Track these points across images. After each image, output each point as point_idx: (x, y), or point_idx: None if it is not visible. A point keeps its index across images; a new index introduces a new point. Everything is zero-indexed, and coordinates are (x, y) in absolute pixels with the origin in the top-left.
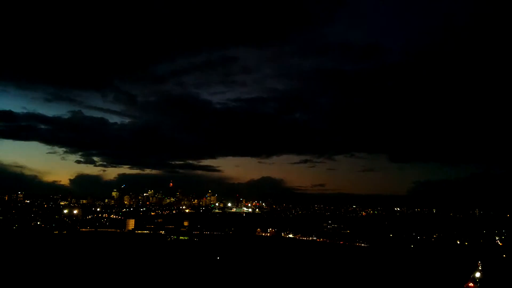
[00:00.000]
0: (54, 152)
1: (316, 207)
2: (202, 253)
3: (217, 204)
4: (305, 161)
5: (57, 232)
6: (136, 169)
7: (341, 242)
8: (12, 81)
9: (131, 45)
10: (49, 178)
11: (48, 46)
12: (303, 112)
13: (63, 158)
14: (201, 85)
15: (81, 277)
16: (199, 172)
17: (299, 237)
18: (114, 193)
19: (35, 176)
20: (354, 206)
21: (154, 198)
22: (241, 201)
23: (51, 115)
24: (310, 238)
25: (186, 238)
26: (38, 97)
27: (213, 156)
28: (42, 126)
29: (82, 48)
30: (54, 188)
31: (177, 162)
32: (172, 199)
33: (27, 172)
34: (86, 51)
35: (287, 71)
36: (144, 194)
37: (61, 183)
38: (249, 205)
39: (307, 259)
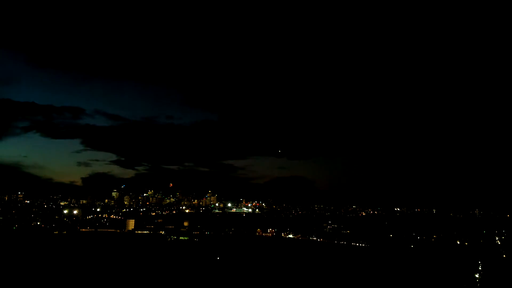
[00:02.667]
0: (78, 152)
1: (316, 207)
2: (202, 253)
3: (217, 204)
4: None
5: (57, 232)
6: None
7: (341, 242)
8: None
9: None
10: (65, 179)
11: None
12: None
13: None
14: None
15: (81, 277)
16: (237, 173)
17: (299, 237)
18: (114, 193)
19: (51, 179)
20: (354, 206)
21: (154, 198)
22: (241, 201)
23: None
24: (310, 238)
25: (186, 238)
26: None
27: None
28: (105, 125)
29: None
30: (69, 189)
31: (224, 162)
32: (172, 199)
33: (45, 173)
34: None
35: None
36: (144, 195)
37: (78, 183)
38: (249, 205)
39: (307, 260)
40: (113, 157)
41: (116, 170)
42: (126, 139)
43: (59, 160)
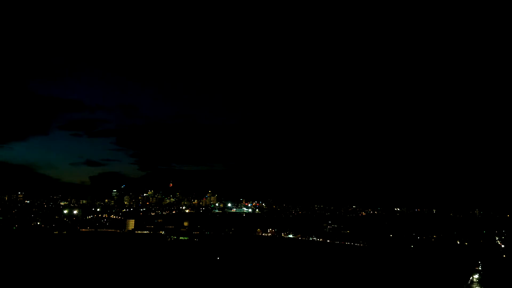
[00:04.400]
0: (101, 151)
1: (316, 207)
2: (202, 253)
3: (217, 204)
4: None
5: (57, 232)
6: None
7: (341, 242)
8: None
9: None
10: (76, 179)
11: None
12: None
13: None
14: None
15: (81, 277)
16: None
17: (299, 237)
18: (114, 193)
19: (59, 179)
20: (354, 206)
21: (154, 198)
22: (241, 201)
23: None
24: (310, 238)
25: (186, 238)
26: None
27: None
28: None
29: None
30: (75, 188)
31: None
32: (172, 199)
33: (55, 174)
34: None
35: None
36: (144, 194)
37: (87, 183)
38: (249, 205)
39: (307, 260)
40: (139, 155)
41: (128, 170)
42: (162, 138)
43: (76, 159)
